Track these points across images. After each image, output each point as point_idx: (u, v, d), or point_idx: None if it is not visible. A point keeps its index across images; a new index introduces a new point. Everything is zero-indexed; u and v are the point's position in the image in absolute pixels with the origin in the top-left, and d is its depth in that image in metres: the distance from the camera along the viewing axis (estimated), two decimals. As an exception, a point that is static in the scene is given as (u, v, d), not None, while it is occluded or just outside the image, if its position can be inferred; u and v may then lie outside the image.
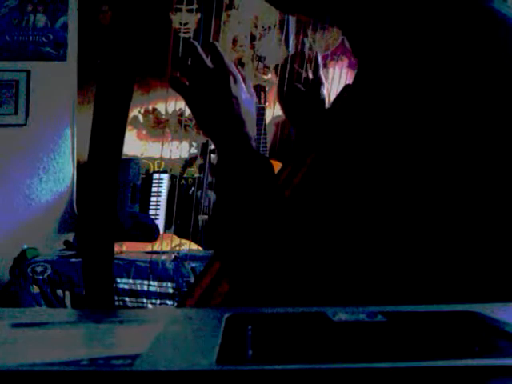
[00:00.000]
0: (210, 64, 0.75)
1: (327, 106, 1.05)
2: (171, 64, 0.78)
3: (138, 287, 2.24)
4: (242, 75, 0.76)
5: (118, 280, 2.21)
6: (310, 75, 1.05)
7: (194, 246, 2.43)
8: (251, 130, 0.72)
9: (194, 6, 2.99)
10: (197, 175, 3.00)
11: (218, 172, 0.71)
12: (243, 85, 0.75)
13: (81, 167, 3.07)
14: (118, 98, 0.53)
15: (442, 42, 0.53)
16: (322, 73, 1.05)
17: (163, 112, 3.09)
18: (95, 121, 0.53)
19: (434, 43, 0.54)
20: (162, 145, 3.14)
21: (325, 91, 1.05)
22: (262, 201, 0.64)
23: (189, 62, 0.76)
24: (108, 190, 0.53)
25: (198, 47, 0.75)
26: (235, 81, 0.74)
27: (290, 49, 2.89)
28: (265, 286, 0.58)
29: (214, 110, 0.73)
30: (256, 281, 0.60)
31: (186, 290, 2.18)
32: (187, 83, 0.75)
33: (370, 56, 0.64)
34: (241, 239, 0.63)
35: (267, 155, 2.55)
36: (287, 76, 1.04)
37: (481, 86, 0.51)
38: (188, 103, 0.75)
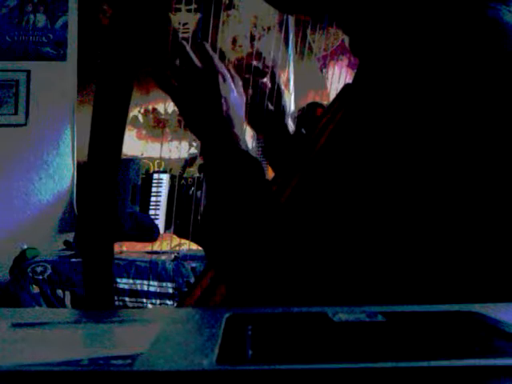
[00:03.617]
0: (198, 64, 0.74)
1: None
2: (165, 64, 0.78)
3: (138, 287, 2.24)
4: (231, 76, 0.76)
5: (118, 280, 2.20)
6: (269, 84, 0.96)
7: (194, 246, 2.43)
8: (239, 130, 0.72)
9: (194, 6, 2.99)
10: (197, 175, 3.00)
11: (206, 172, 0.71)
12: (233, 85, 0.75)
13: (81, 167, 3.07)
14: (117, 98, 0.53)
15: (442, 43, 0.53)
16: (280, 80, 0.97)
17: (163, 112, 3.09)
18: (94, 121, 0.53)
19: (435, 44, 0.54)
20: (162, 145, 3.14)
21: (286, 98, 1.00)
22: (251, 201, 0.63)
23: (177, 62, 0.75)
24: (108, 190, 0.53)
25: (187, 47, 0.75)
26: (224, 81, 0.73)
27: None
28: (259, 288, 0.58)
29: (201, 110, 0.72)
30: (249, 283, 0.59)
31: (186, 289, 2.17)
32: (175, 82, 0.75)
33: (370, 56, 0.64)
34: (230, 240, 0.62)
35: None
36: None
37: (481, 86, 0.51)
38: (176, 102, 0.75)
